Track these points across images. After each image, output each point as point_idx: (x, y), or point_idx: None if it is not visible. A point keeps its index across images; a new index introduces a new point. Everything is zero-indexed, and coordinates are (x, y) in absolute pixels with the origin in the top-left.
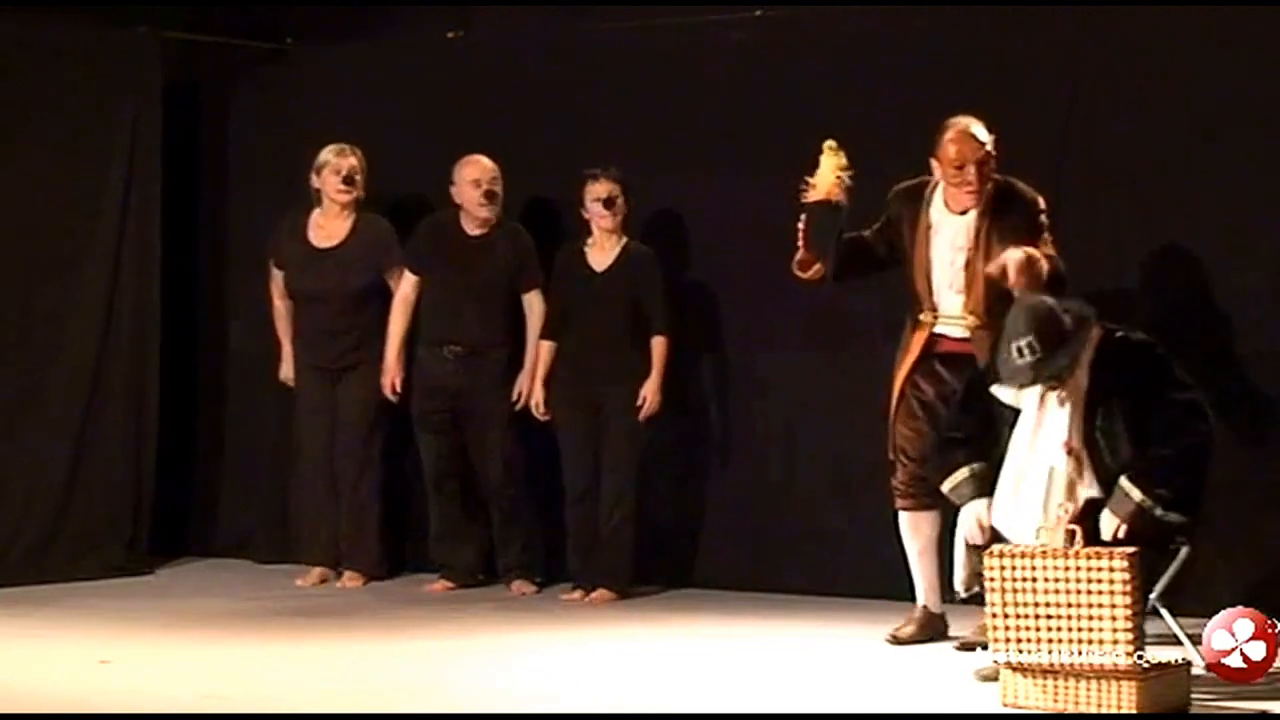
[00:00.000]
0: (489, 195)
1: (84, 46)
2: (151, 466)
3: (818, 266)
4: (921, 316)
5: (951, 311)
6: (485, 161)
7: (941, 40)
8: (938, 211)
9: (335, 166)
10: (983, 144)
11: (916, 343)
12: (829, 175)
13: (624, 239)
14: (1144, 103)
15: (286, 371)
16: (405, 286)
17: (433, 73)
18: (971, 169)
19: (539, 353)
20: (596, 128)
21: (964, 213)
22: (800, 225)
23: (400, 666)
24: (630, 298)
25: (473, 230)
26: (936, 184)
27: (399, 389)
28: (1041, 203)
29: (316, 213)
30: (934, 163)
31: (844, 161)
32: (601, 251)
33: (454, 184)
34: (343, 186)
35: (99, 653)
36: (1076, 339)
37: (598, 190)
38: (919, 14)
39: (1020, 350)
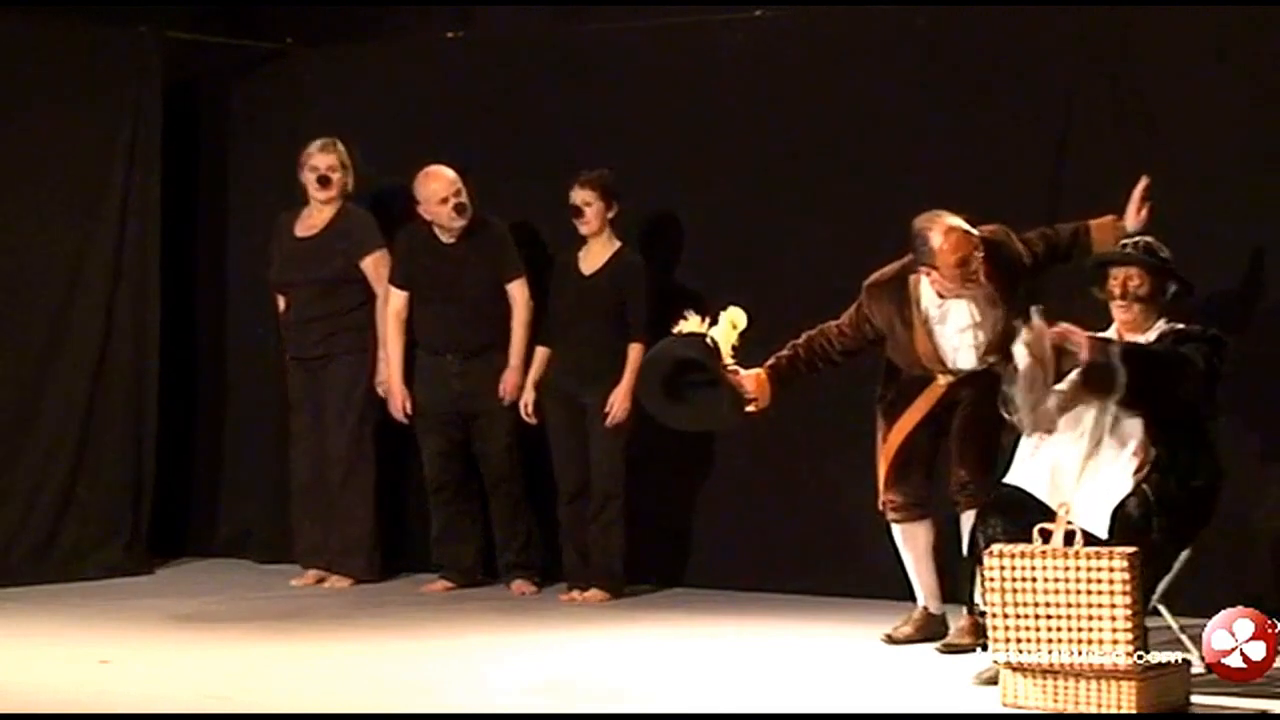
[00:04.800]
0: (459, 209)
1: (85, 46)
2: (151, 466)
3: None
4: (939, 380)
5: (968, 366)
6: (447, 174)
7: (941, 40)
8: (932, 302)
9: (313, 165)
10: (970, 232)
11: (932, 395)
12: (726, 343)
13: (615, 244)
14: (1144, 103)
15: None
16: (396, 302)
17: (433, 73)
18: (975, 258)
19: (534, 358)
20: (596, 128)
21: (959, 295)
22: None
23: (399, 666)
24: (615, 302)
25: (447, 238)
26: (918, 276)
27: (409, 410)
28: (1009, 234)
29: (306, 208)
30: (923, 266)
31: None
32: (591, 255)
33: (419, 202)
34: (317, 186)
35: (99, 653)
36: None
37: (571, 197)
38: (919, 14)
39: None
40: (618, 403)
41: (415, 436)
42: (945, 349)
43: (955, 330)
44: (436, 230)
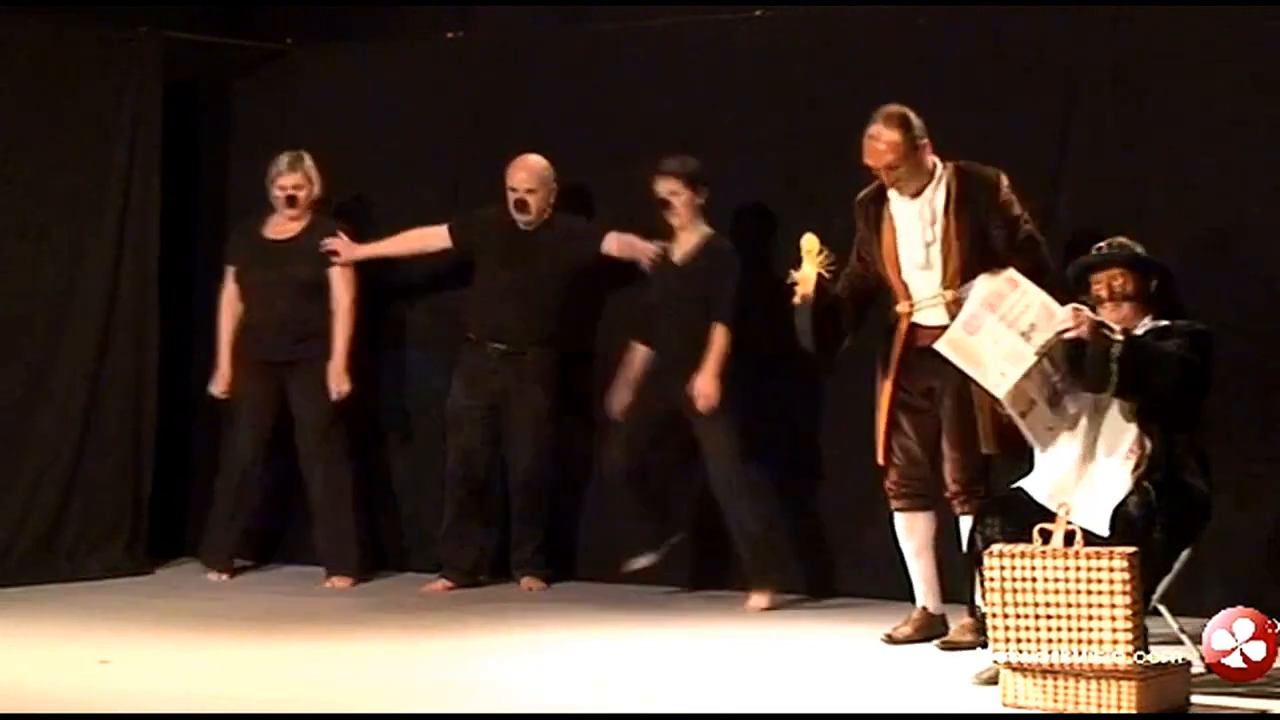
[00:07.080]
0: (519, 205)
1: (84, 46)
2: (151, 467)
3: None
4: (898, 307)
5: (926, 294)
6: (523, 167)
7: (942, 40)
8: (895, 201)
9: (280, 185)
10: (886, 145)
11: (898, 340)
12: (813, 272)
13: (703, 231)
14: (1144, 103)
15: (220, 386)
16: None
17: (433, 73)
18: (882, 174)
19: (632, 357)
20: (597, 127)
21: (917, 194)
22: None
23: (399, 666)
24: (703, 291)
25: (523, 227)
26: None
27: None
28: (1002, 177)
29: (275, 215)
30: None
31: (824, 257)
32: (681, 244)
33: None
34: (285, 204)
35: (99, 653)
36: None
37: (656, 189)
38: (920, 14)
39: None
40: (703, 387)
41: (396, 439)
42: (901, 249)
43: (908, 228)
44: (516, 217)
